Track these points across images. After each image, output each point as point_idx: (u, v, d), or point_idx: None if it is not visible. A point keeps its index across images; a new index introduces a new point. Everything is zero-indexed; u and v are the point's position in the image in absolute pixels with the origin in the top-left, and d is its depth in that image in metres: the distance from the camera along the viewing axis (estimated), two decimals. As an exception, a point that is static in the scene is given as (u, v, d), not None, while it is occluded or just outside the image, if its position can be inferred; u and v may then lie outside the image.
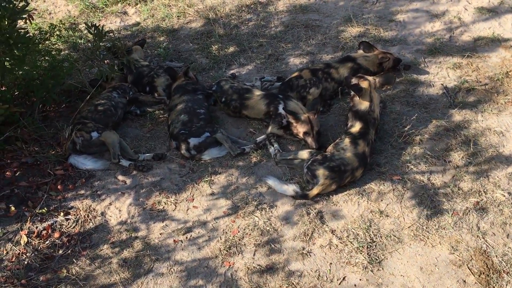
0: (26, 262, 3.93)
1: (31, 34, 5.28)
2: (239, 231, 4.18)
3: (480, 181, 4.48)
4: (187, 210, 4.41)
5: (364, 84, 4.89)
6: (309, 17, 6.94)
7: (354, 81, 4.99)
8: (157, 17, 7.25)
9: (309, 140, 4.81)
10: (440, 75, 5.81)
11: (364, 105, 4.79)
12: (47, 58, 5.41)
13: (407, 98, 5.48)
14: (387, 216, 4.25)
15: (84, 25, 6.76)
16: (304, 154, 4.66)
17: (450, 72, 5.82)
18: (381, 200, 4.37)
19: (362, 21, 6.72)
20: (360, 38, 6.41)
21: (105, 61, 5.75)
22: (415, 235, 4.08)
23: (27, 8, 4.66)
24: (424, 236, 4.07)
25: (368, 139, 4.59)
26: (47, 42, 5.52)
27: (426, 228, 4.13)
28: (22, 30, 4.67)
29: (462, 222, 4.15)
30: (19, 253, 4.01)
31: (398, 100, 5.47)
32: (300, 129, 4.85)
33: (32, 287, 3.75)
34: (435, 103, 5.40)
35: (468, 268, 3.82)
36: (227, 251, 4.03)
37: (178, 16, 7.21)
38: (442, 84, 5.62)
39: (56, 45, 5.92)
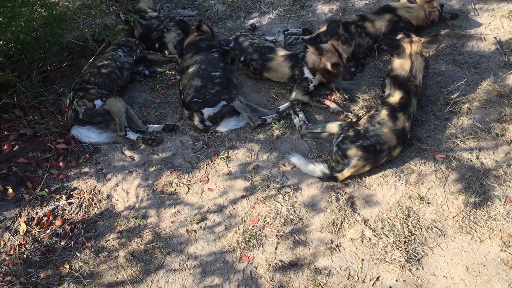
0: (25, 256, 3.59)
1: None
2: (259, 220, 3.72)
3: (539, 161, 3.86)
4: (202, 193, 3.94)
5: (405, 44, 4.16)
6: (340, -47, 6.01)
7: (398, 37, 4.29)
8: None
9: (341, 71, 4.23)
10: (493, 25, 4.99)
11: (404, 70, 4.10)
12: (41, 11, 4.78)
13: (454, 56, 4.73)
14: (428, 203, 3.70)
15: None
16: (333, 127, 4.06)
17: (504, 22, 4.99)
18: (422, 184, 3.81)
19: (402, -41, 5.77)
20: (399, -21, 5.53)
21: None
22: (461, 227, 3.55)
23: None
24: (471, 228, 3.53)
25: (409, 112, 3.94)
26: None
27: (474, 218, 3.58)
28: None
29: (516, 212, 3.60)
30: (17, 244, 3.65)
31: (443, 58, 4.72)
32: (327, 62, 4.23)
33: (32, 286, 3.41)
34: (486, 61, 4.65)
35: (522, 269, 3.32)
36: (246, 243, 3.59)
37: (190, -46, 6.36)
38: (495, 38, 4.82)
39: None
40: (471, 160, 3.91)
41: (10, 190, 3.97)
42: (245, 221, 3.73)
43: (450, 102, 4.27)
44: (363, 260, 3.45)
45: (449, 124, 4.16)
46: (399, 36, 4.29)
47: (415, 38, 4.18)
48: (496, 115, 4.17)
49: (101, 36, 4.48)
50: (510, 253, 3.37)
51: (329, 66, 4.24)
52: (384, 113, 3.94)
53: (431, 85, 4.47)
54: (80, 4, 5.97)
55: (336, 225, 3.64)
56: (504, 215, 3.57)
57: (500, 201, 3.64)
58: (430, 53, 4.17)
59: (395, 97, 4.01)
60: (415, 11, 4.76)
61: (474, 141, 4.02)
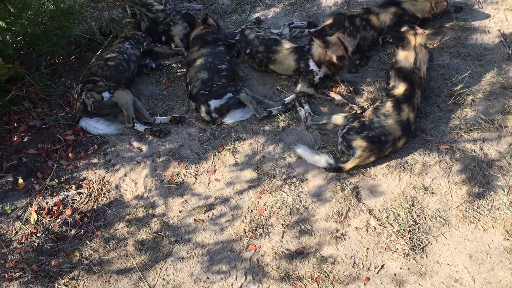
0: (36, 244, 3.66)
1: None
2: (265, 209, 3.78)
3: (542, 152, 3.90)
4: (209, 183, 4.00)
5: (409, 36, 4.21)
6: None
7: (402, 29, 4.33)
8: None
9: (346, 64, 4.28)
10: (497, 18, 5.01)
11: (408, 62, 4.14)
12: (49, 4, 4.83)
13: (458, 48, 4.76)
14: (432, 193, 3.76)
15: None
16: (339, 119, 4.11)
17: (508, 15, 5.01)
18: (426, 174, 3.86)
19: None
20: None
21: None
22: (464, 217, 3.60)
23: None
24: (475, 217, 3.58)
25: (414, 104, 3.99)
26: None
27: (477, 208, 3.63)
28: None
29: (519, 202, 3.64)
30: (29, 233, 3.73)
31: (447, 51, 4.76)
32: (332, 55, 4.27)
33: (43, 273, 3.50)
34: (490, 54, 4.68)
35: (525, 257, 3.37)
36: (252, 232, 3.66)
37: None
38: (499, 30, 4.85)
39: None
40: (474, 151, 3.95)
41: (21, 180, 4.04)
42: (251, 211, 3.79)
43: (454, 94, 4.31)
44: (368, 248, 3.51)
45: (453, 115, 4.20)
46: (404, 29, 4.33)
47: (419, 30, 4.22)
48: (499, 107, 4.21)
49: (108, 29, 4.53)
50: (513, 242, 3.43)
51: (334, 59, 4.28)
52: (389, 104, 3.99)
53: (435, 77, 4.51)
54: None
55: (342, 214, 3.70)
56: (507, 204, 3.61)
57: (503, 191, 3.69)
58: (434, 45, 4.21)
59: (400, 89, 4.06)
60: (420, 4, 4.79)
61: (477, 132, 4.06)
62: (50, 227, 3.78)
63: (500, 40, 4.76)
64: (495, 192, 3.70)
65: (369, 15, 4.75)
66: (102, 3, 4.70)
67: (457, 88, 4.33)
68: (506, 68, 4.48)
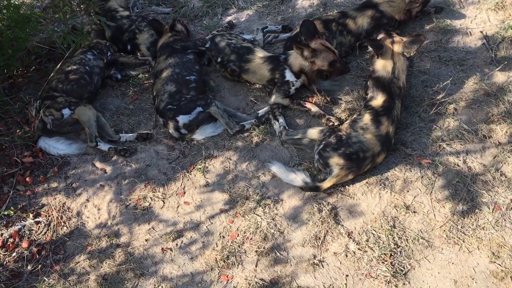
0: (-11, 283, 3.38)
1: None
2: (238, 235, 3.53)
3: (528, 164, 3.71)
4: (177, 207, 3.74)
5: (387, 44, 3.97)
6: None
7: (379, 37, 4.10)
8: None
9: (339, 67, 4.09)
10: (479, 19, 4.79)
11: (386, 71, 3.91)
12: (4, 12, 4.47)
13: (439, 52, 4.53)
14: (414, 212, 3.54)
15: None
16: (315, 133, 3.86)
17: (491, 15, 4.80)
18: (407, 191, 3.65)
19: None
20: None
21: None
22: (448, 237, 3.40)
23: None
24: (459, 238, 3.38)
25: (393, 116, 3.76)
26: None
27: (462, 228, 3.43)
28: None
29: (505, 220, 3.44)
30: (-19, 270, 3.44)
31: (428, 55, 4.53)
32: (323, 62, 4.04)
33: (-3, 317, 3.22)
34: (473, 57, 4.46)
35: (513, 281, 3.18)
36: (224, 261, 3.41)
37: None
38: (481, 32, 4.63)
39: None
40: (458, 165, 3.75)
41: (-27, 211, 3.74)
42: (223, 237, 3.54)
43: (435, 103, 4.09)
44: (347, 276, 3.29)
45: (435, 126, 3.99)
46: (380, 36, 4.10)
47: (397, 38, 3.99)
48: (483, 116, 4.01)
49: (66, 42, 4.18)
50: (499, 265, 3.24)
51: (326, 66, 4.06)
52: (367, 117, 3.76)
53: (416, 85, 4.29)
54: (49, 2, 5.66)
55: (319, 238, 3.47)
56: (492, 223, 3.42)
57: (489, 208, 3.49)
58: (411, 54, 3.97)
59: (378, 100, 3.83)
60: (397, 4, 4.53)
61: (460, 144, 3.86)
62: (5, 262, 3.48)
63: (482, 42, 4.55)
64: (480, 210, 3.50)
65: (345, 19, 4.49)
66: (59, 12, 4.33)
67: (438, 96, 4.11)
68: (489, 73, 4.27)
